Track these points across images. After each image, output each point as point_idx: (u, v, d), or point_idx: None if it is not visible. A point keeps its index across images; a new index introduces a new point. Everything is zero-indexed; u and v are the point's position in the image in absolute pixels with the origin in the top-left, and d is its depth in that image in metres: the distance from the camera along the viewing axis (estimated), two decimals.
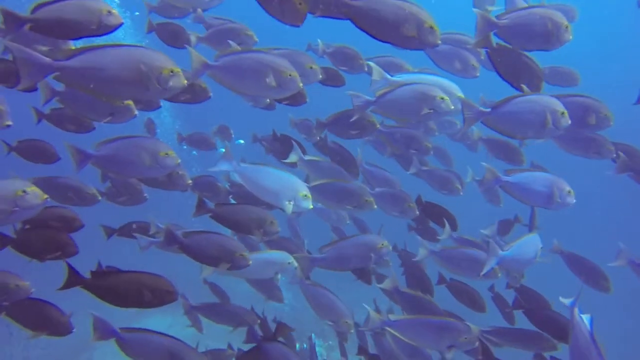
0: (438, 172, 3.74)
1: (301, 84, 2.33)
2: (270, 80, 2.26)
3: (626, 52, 15.73)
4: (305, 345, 6.34)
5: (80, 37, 2.25)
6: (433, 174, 3.73)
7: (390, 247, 3.00)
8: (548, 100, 2.43)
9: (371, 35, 2.24)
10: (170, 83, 2.01)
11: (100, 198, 3.05)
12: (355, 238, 3.00)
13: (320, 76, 2.98)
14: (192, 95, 2.89)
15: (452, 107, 2.69)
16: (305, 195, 2.59)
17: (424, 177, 3.75)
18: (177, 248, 2.78)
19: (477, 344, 2.59)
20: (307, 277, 3.07)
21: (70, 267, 2.43)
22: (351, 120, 3.07)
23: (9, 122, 2.10)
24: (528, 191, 2.64)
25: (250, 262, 2.73)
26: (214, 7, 3.30)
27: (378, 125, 3.28)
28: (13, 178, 2.10)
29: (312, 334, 6.19)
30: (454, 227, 3.39)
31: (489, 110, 2.49)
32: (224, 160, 2.69)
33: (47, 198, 2.09)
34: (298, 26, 2.11)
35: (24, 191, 2.04)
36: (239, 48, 2.60)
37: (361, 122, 3.21)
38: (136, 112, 2.69)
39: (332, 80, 3.43)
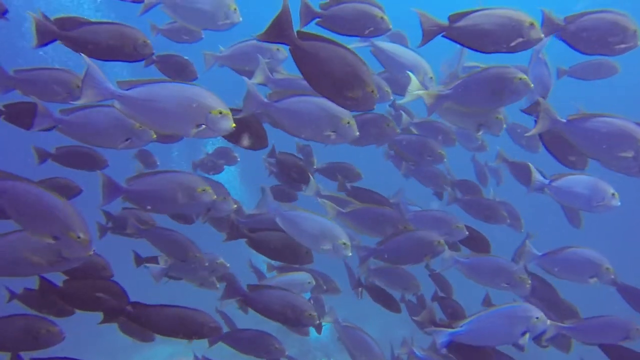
0: (481, 201, 3.57)
1: (357, 132, 2.30)
2: (330, 127, 2.24)
3: None
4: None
5: (112, 60, 2.41)
6: (474, 204, 3.57)
7: (446, 247, 2.90)
8: (632, 128, 2.26)
9: (479, 51, 2.23)
10: (217, 124, 2.01)
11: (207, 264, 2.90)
12: (413, 233, 2.92)
13: None
14: (249, 142, 2.67)
15: (532, 86, 2.47)
16: (344, 243, 2.56)
17: (461, 206, 3.60)
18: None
19: (549, 322, 2.45)
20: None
21: (107, 299, 2.35)
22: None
23: None
24: (572, 194, 2.61)
25: (318, 321, 2.67)
26: (226, 29, 3.07)
27: (398, 131, 3.15)
28: None
29: None
30: (486, 249, 3.27)
31: (564, 121, 2.37)
32: (264, 203, 2.62)
33: (93, 250, 2.00)
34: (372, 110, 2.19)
35: None
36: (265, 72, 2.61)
37: (380, 127, 3.05)
38: (155, 135, 2.59)
39: None
